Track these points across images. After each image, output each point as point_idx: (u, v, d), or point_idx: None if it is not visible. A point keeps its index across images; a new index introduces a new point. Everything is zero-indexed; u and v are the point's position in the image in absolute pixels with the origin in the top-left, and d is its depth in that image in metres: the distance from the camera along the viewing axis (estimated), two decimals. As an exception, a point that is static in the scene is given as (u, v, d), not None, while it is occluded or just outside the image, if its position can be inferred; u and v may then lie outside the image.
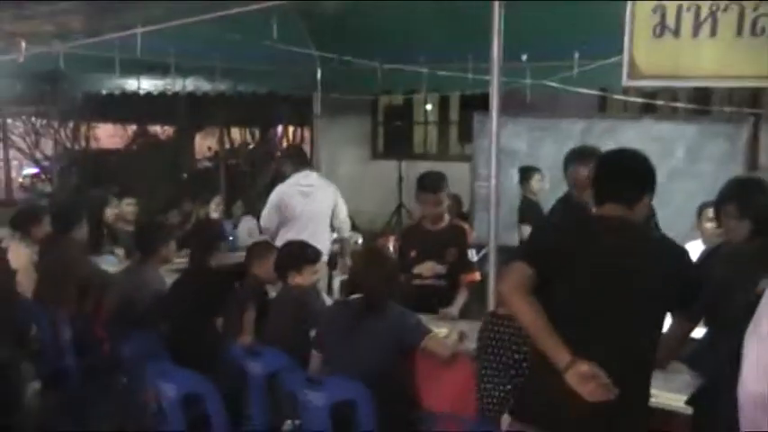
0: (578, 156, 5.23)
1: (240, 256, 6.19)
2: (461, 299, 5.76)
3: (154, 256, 5.97)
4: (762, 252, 3.72)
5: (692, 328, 3.52)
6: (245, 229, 9.57)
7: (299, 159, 7.81)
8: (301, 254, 5.33)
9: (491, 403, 4.06)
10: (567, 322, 3.10)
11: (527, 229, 8.51)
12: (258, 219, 9.37)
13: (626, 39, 4.23)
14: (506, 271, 3.33)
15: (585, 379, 2.98)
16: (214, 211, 8.73)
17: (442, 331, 4.88)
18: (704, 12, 4.04)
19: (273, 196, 7.49)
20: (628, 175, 3.40)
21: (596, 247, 3.29)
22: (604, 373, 3.00)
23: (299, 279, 5.20)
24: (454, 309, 5.65)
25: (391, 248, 6.08)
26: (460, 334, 4.81)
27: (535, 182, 8.77)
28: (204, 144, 21.63)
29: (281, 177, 7.84)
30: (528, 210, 8.65)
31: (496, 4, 4.30)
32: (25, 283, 6.34)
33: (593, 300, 3.21)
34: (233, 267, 6.35)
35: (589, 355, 3.02)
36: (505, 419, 3.69)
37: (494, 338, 4.13)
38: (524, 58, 8.75)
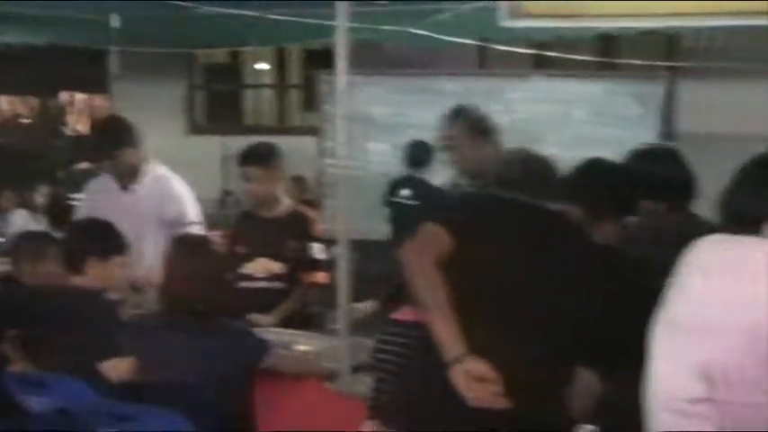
0: None
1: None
2: (290, 304, 5.76)
3: None
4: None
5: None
6: (20, 227, 9.30)
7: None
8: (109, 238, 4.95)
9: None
10: (467, 312, 3.12)
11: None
12: (36, 212, 9.21)
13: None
14: (417, 233, 3.34)
15: (473, 380, 3.01)
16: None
17: (303, 348, 4.92)
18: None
19: None
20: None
21: (524, 230, 3.40)
22: (499, 378, 3.03)
23: (95, 273, 4.85)
24: (271, 317, 5.60)
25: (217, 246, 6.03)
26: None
27: None
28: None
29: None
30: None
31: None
32: None
33: (502, 291, 3.26)
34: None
35: (484, 355, 3.04)
36: (367, 425, 3.73)
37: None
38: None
